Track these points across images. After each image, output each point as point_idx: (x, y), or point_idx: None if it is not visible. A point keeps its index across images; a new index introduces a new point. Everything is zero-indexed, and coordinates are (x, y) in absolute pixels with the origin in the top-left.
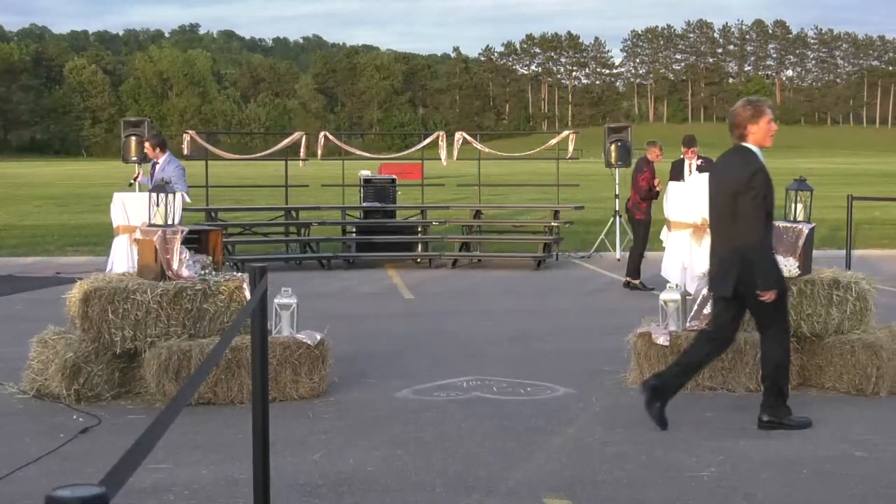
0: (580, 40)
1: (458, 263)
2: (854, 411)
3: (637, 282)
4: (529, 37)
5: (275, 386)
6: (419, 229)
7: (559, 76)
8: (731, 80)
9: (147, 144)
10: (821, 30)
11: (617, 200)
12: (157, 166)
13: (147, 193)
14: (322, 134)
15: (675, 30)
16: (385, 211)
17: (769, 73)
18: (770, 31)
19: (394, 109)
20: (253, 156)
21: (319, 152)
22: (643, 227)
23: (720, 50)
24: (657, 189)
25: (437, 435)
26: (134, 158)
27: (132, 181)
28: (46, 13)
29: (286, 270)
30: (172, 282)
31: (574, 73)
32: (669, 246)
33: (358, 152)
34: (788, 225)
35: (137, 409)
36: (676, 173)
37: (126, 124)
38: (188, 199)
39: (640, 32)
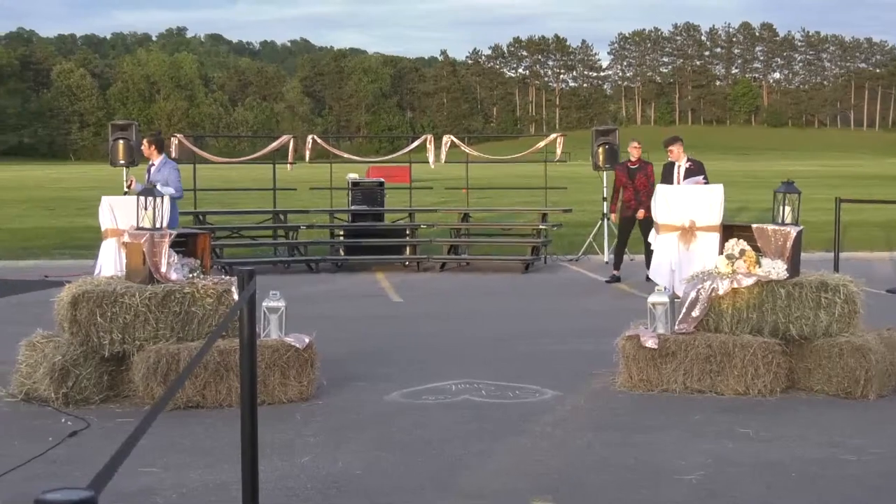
0: (567, 43)
1: (447, 266)
2: (842, 414)
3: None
4: (517, 39)
5: (263, 389)
6: (407, 232)
7: (546, 79)
8: (718, 83)
9: (144, 142)
10: (808, 32)
11: (605, 203)
12: (154, 167)
13: (135, 197)
14: (310, 137)
15: (662, 32)
16: (373, 214)
17: (756, 75)
18: (757, 34)
19: (381, 112)
20: (241, 159)
21: (307, 155)
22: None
23: (707, 52)
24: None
25: (425, 438)
26: (122, 162)
27: (126, 189)
28: (33, 17)
29: (274, 274)
30: (161, 285)
31: (561, 76)
32: (657, 248)
33: (346, 155)
34: (776, 227)
35: (126, 413)
36: (667, 176)
37: (114, 128)
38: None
39: (627, 35)
